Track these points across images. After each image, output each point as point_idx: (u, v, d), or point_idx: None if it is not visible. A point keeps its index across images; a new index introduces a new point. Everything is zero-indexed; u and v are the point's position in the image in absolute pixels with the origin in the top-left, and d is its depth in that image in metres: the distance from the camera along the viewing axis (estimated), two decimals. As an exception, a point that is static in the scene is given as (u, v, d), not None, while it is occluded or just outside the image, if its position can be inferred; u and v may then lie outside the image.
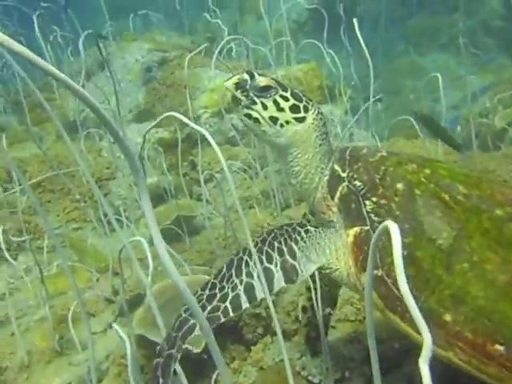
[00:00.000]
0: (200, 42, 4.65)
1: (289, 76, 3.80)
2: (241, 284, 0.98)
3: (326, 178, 1.08)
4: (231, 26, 7.10)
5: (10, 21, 3.74)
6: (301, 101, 1.06)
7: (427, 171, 0.99)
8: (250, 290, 0.97)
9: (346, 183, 1.04)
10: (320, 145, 1.08)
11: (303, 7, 6.32)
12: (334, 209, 1.05)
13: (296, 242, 1.03)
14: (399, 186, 0.98)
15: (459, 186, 0.96)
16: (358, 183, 1.03)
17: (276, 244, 1.03)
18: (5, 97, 3.76)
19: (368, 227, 0.97)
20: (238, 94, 1.05)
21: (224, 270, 1.02)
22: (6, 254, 1.85)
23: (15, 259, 2.42)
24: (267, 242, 1.03)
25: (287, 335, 1.49)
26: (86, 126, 3.15)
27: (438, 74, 2.11)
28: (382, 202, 0.98)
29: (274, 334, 1.50)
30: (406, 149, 2.75)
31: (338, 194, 1.04)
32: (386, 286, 0.91)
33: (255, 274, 0.99)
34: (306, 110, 1.06)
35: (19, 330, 1.97)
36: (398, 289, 0.89)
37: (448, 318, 0.84)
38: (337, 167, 1.08)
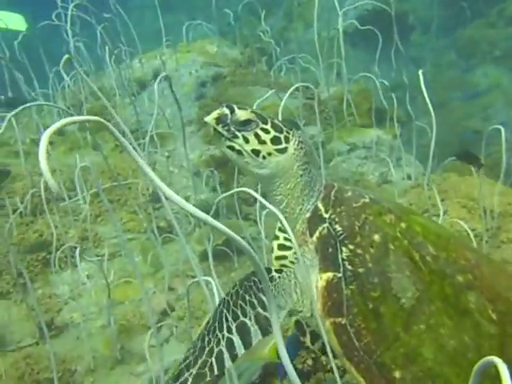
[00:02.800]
0: (250, 53, 4.81)
1: (337, 97, 3.89)
2: (223, 339, 1.02)
3: (308, 214, 1.12)
4: (277, 33, 7.24)
5: (73, 29, 4.03)
6: (281, 132, 1.12)
7: (403, 225, 1.05)
8: (230, 346, 1.01)
9: (326, 225, 1.09)
10: (301, 175, 1.13)
11: (352, 17, 6.35)
12: (311, 246, 1.09)
13: (264, 294, 1.06)
14: (376, 237, 1.04)
15: (430, 246, 1.02)
16: (338, 227, 1.07)
17: (247, 297, 1.07)
18: (65, 101, 4.06)
19: (341, 275, 1.01)
20: (220, 128, 1.11)
21: (211, 321, 1.07)
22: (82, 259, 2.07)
23: (77, 266, 2.67)
24: (240, 295, 1.08)
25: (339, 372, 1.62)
26: (141, 137, 3.38)
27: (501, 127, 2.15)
28: (358, 251, 1.03)
29: (327, 370, 1.63)
30: (459, 186, 2.79)
31: (317, 233, 1.09)
32: (347, 335, 0.97)
33: (233, 329, 1.03)
34: (287, 140, 1.12)
35: (83, 335, 2.21)
36: (358, 340, 0.96)
37: (397, 375, 0.92)
38: (320, 206, 1.13)
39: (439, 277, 0.98)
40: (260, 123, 1.11)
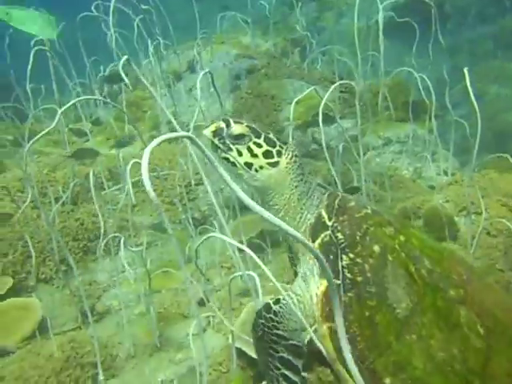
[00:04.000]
0: (283, 44, 4.77)
1: (372, 90, 3.82)
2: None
3: (311, 221, 1.16)
4: (310, 23, 7.13)
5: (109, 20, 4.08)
6: (274, 146, 1.16)
7: (402, 238, 1.08)
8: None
9: (329, 232, 1.12)
10: (296, 186, 1.17)
11: (387, 7, 6.17)
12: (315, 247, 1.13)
13: (277, 336, 1.12)
14: (376, 248, 1.07)
15: (426, 260, 1.05)
16: (340, 236, 1.11)
17: (270, 336, 1.14)
18: (102, 90, 4.14)
19: (340, 281, 1.05)
20: (216, 141, 1.17)
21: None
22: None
23: (116, 254, 2.75)
24: (265, 333, 1.15)
25: None
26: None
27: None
28: (358, 260, 1.07)
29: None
30: (498, 184, 2.71)
31: (319, 240, 1.13)
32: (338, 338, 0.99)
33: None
34: (280, 154, 1.16)
35: (123, 321, 2.28)
36: (352, 345, 0.99)
37: (387, 381, 0.96)
38: (324, 214, 1.16)
39: (433, 290, 1.02)
40: (253, 137, 1.16)
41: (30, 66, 2.98)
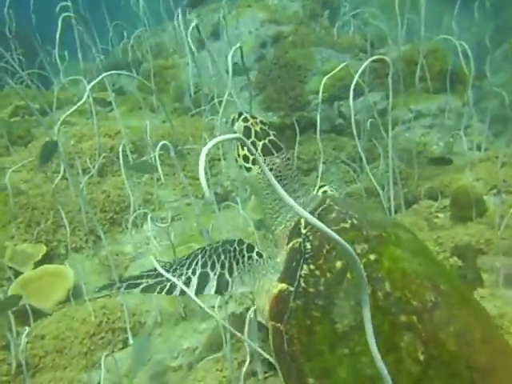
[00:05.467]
0: (312, 6, 4.70)
1: (405, 58, 3.76)
2: (185, 274, 1.32)
3: (291, 225, 1.29)
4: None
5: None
6: (252, 154, 1.32)
7: (371, 257, 1.15)
8: (187, 283, 1.32)
9: (300, 240, 1.24)
10: (267, 193, 1.34)
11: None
12: (284, 254, 1.27)
13: (237, 263, 1.31)
14: (338, 264, 1.16)
15: (387, 283, 1.11)
16: (308, 246, 1.21)
17: (222, 257, 1.32)
18: (126, 56, 4.24)
19: (293, 289, 1.17)
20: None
21: (185, 257, 1.38)
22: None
23: (141, 227, 2.99)
24: (217, 253, 1.33)
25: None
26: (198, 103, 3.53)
27: None
28: (316, 272, 1.17)
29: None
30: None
31: (290, 245, 1.25)
32: (281, 339, 1.16)
33: (197, 273, 1.32)
34: (254, 162, 1.34)
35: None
36: (288, 345, 1.14)
37: (310, 381, 1.10)
38: (302, 221, 1.27)
39: (382, 313, 1.09)
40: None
41: (58, 34, 3.11)
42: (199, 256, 1.37)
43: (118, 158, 3.16)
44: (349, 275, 1.13)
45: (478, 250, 2.22)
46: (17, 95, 3.75)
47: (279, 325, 1.17)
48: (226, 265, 1.33)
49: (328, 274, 1.15)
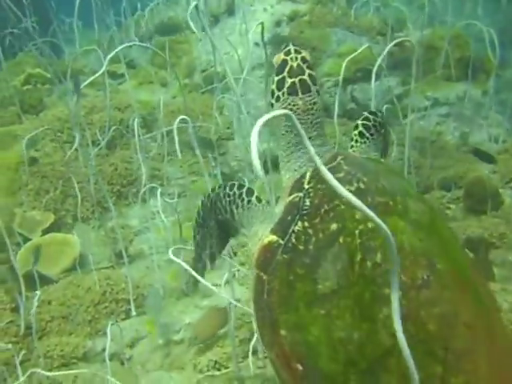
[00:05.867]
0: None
1: (425, 43, 3.71)
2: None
3: (297, 176, 1.27)
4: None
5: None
6: (279, 89, 1.29)
7: (370, 225, 1.11)
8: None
9: (300, 195, 1.21)
10: (283, 134, 1.30)
11: None
12: (283, 205, 1.25)
13: (236, 207, 1.31)
14: (333, 226, 1.14)
15: (379, 253, 1.08)
16: (307, 202, 1.19)
17: (222, 202, 1.33)
18: (138, 28, 4.25)
19: (282, 243, 1.17)
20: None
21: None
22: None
23: (147, 201, 3.06)
24: (220, 196, 1.34)
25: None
26: (210, 80, 3.54)
27: None
28: (309, 231, 1.15)
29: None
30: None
31: (290, 198, 1.23)
32: (261, 288, 1.19)
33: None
34: (278, 99, 1.29)
35: (152, 265, 2.62)
36: (267, 295, 1.16)
37: (283, 332, 1.13)
38: (308, 175, 1.25)
39: (366, 282, 1.07)
40: (275, 73, 1.31)
41: (78, 2, 3.11)
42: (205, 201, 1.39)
43: (127, 131, 3.22)
44: (341, 239, 1.12)
45: (491, 244, 2.22)
46: (29, 63, 3.79)
47: (263, 274, 1.19)
48: (228, 209, 1.33)
49: (320, 235, 1.14)
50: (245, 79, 3.73)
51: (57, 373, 1.73)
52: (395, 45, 3.98)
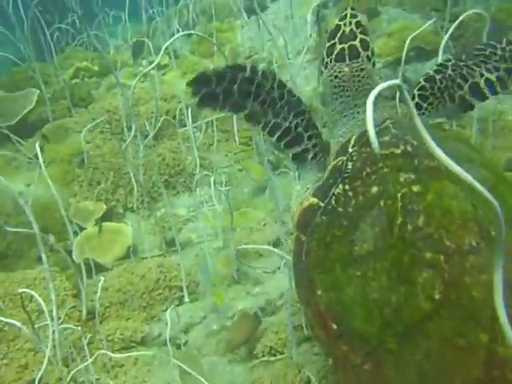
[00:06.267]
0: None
1: (480, 18, 3.53)
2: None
3: (344, 140, 1.27)
4: None
5: None
6: (328, 56, 1.30)
7: (414, 188, 1.09)
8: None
9: (344, 159, 1.21)
10: (331, 99, 1.31)
11: None
12: (328, 169, 1.26)
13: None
14: (374, 189, 1.13)
15: (422, 217, 1.05)
16: (349, 166, 1.19)
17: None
18: (179, 22, 4.31)
19: (323, 205, 1.18)
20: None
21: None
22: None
23: (194, 190, 3.12)
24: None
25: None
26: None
27: None
28: (349, 193, 1.15)
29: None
30: None
31: (334, 162, 1.24)
32: (300, 249, 1.20)
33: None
34: (326, 66, 1.31)
35: (201, 253, 2.68)
36: (305, 256, 1.18)
37: (319, 292, 1.15)
38: (353, 139, 1.24)
39: (405, 245, 1.05)
40: (327, 39, 1.33)
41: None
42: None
43: (176, 122, 3.29)
44: (382, 202, 1.11)
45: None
46: (77, 57, 3.94)
47: (302, 236, 1.22)
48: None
49: (360, 197, 1.14)
50: (291, 64, 3.72)
51: (123, 354, 1.81)
52: (452, 20, 3.81)
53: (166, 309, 2.31)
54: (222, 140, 3.42)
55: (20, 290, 1.48)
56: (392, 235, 1.07)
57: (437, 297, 1.00)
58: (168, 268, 2.50)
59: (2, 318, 1.55)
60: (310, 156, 1.32)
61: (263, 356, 1.92)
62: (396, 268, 1.05)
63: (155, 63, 2.11)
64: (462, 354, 0.97)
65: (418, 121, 0.80)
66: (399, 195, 1.10)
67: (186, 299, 2.39)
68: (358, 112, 1.32)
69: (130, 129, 3.30)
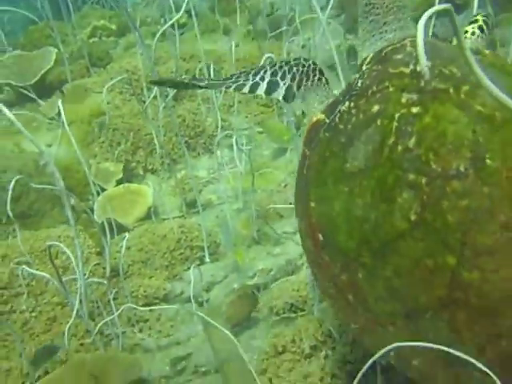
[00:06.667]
0: None
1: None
2: (251, 80, 1.28)
3: (369, 56, 1.23)
4: None
5: None
6: None
7: (414, 110, 1.05)
8: (254, 88, 1.28)
9: (356, 76, 1.20)
10: (365, 11, 1.27)
11: None
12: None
13: (307, 79, 1.29)
14: (375, 108, 1.11)
15: (413, 138, 1.03)
16: (359, 83, 1.17)
17: (294, 69, 1.29)
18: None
19: (327, 121, 1.19)
20: None
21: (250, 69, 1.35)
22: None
23: (215, 152, 3.12)
24: (290, 65, 1.29)
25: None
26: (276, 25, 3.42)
27: None
28: (353, 111, 1.14)
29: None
30: None
31: (352, 79, 1.22)
32: (303, 162, 1.23)
33: (266, 80, 1.28)
34: None
35: (221, 215, 2.70)
36: (306, 170, 1.21)
37: (312, 204, 1.20)
38: (370, 57, 1.22)
39: (392, 165, 1.04)
40: None
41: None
42: (267, 67, 1.31)
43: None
44: (379, 121, 1.09)
45: None
46: (94, 16, 3.88)
47: (306, 150, 1.25)
48: (297, 78, 1.30)
49: (361, 115, 1.14)
50: (316, 19, 3.60)
51: (151, 308, 1.88)
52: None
53: (188, 268, 2.37)
54: (243, 101, 3.38)
55: (48, 243, 1.53)
56: (382, 155, 1.07)
57: (412, 218, 1.00)
58: (189, 228, 2.54)
59: (33, 271, 1.61)
60: (294, 89, 1.31)
61: (284, 313, 1.97)
62: (380, 187, 1.06)
63: (174, 20, 2.05)
64: (428, 274, 0.99)
65: (464, 44, 0.80)
66: (397, 115, 1.07)
67: (207, 259, 2.44)
68: (386, 30, 1.29)
69: (149, 89, 3.29)
